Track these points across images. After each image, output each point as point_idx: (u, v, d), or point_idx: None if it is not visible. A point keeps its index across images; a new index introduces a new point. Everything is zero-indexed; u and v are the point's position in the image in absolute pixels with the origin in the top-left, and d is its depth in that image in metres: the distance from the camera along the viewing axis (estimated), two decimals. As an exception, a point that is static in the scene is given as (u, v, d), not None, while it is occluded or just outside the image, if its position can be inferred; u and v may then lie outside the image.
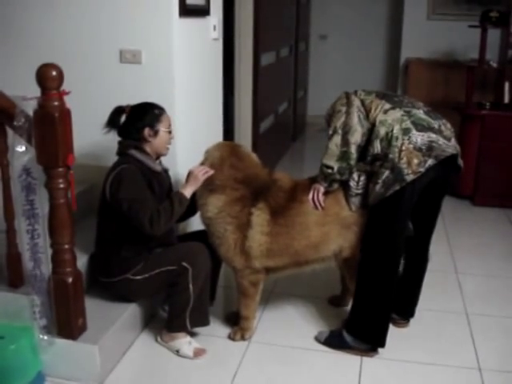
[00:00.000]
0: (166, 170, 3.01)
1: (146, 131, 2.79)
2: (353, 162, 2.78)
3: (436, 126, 2.73)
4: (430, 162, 2.66)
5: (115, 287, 2.86)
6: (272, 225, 2.86)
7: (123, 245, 2.79)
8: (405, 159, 2.64)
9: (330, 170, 2.80)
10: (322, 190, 2.87)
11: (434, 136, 2.68)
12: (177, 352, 2.87)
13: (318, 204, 2.87)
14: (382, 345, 2.88)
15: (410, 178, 2.65)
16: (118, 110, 2.85)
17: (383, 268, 2.81)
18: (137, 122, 2.80)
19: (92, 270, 2.95)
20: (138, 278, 2.80)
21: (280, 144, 6.77)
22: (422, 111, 2.77)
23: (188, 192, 2.79)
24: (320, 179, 2.87)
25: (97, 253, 2.93)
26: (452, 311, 3.33)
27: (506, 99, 5.19)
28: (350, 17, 8.04)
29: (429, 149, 2.65)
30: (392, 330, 3.04)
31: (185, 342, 2.88)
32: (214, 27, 3.88)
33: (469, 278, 3.78)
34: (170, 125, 2.88)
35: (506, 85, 5.19)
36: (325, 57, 8.31)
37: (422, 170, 2.65)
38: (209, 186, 2.85)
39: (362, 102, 2.81)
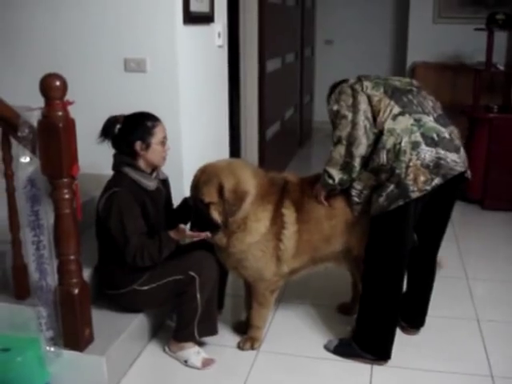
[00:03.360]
0: (164, 180, 2.97)
1: (138, 145, 2.73)
2: (355, 175, 2.73)
3: (446, 136, 2.65)
4: (437, 180, 2.61)
5: (122, 299, 2.84)
6: (298, 222, 2.84)
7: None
8: (411, 176, 2.58)
9: (330, 181, 2.77)
10: (323, 194, 2.85)
11: (442, 152, 2.60)
12: (185, 362, 2.85)
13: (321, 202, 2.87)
14: (388, 356, 2.85)
15: (415, 195, 2.60)
16: (112, 120, 2.78)
17: (387, 281, 2.77)
18: (128, 135, 2.74)
19: (97, 283, 2.92)
20: (145, 288, 2.77)
21: (287, 150, 6.75)
22: (431, 118, 2.68)
23: (176, 238, 2.72)
24: (322, 184, 2.83)
25: (101, 266, 2.90)
26: (463, 317, 3.28)
27: (514, 102, 5.16)
28: (356, 21, 8.03)
29: (436, 166, 2.59)
30: (402, 338, 3.02)
31: (193, 352, 2.85)
32: (219, 34, 3.87)
33: (479, 284, 3.74)
34: (164, 136, 2.79)
35: (514, 87, 5.16)
36: (331, 62, 8.28)
37: (429, 188, 2.60)
38: (256, 201, 2.77)
39: (369, 98, 2.69)
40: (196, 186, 2.75)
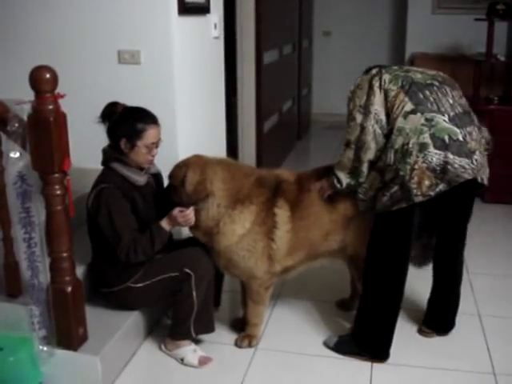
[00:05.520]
0: (156, 174, 2.91)
1: (122, 143, 2.66)
2: (362, 179, 2.67)
3: (460, 138, 2.53)
4: (442, 186, 2.52)
5: (116, 297, 2.79)
6: (292, 220, 2.79)
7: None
8: (416, 179, 2.50)
9: (338, 185, 2.72)
10: (328, 192, 2.80)
11: (451, 157, 2.48)
12: (181, 361, 2.80)
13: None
14: (386, 356, 2.80)
15: (417, 199, 2.53)
16: (111, 107, 2.71)
17: (386, 282, 2.72)
18: (117, 129, 2.67)
19: (91, 281, 2.87)
20: (139, 285, 2.73)
21: (285, 143, 6.69)
22: (447, 117, 2.55)
23: (168, 228, 2.69)
24: (329, 183, 2.77)
25: (94, 263, 2.85)
26: (464, 313, 3.21)
27: (515, 93, 5.10)
28: (354, 12, 7.95)
29: (442, 171, 2.49)
30: (403, 335, 2.97)
31: (189, 350, 2.80)
32: (215, 25, 3.81)
33: (480, 278, 3.69)
34: (153, 142, 2.68)
35: (515, 79, 5.10)
36: (329, 53, 8.22)
37: (432, 193, 2.52)
38: (230, 204, 2.73)
39: (386, 93, 2.59)
40: (176, 164, 2.84)
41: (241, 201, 2.73)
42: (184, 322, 2.76)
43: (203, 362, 2.79)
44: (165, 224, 2.67)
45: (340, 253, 2.94)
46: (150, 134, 2.67)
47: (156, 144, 2.71)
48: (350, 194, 2.79)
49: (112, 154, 2.71)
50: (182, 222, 2.68)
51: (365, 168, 2.64)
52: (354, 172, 2.67)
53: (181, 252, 2.79)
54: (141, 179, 2.75)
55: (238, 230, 2.74)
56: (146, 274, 2.72)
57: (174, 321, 2.82)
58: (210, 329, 2.86)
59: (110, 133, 2.71)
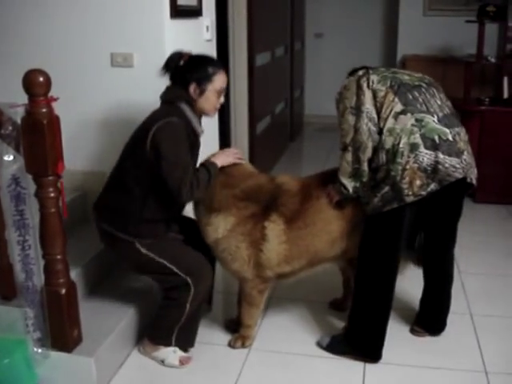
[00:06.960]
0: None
1: (192, 87, 2.61)
2: (365, 179, 2.67)
3: (449, 138, 2.57)
4: (433, 186, 2.54)
5: (118, 244, 2.68)
6: (288, 232, 2.77)
7: (147, 203, 2.61)
8: (407, 179, 2.52)
9: (345, 191, 2.72)
10: (335, 198, 2.79)
11: (441, 157, 2.52)
12: (162, 362, 2.80)
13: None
14: (378, 357, 2.81)
15: (409, 199, 2.55)
16: (176, 55, 2.67)
17: (378, 283, 2.74)
18: (186, 73, 2.61)
19: (98, 215, 2.73)
20: (143, 251, 2.63)
21: (278, 145, 6.71)
22: (436, 118, 2.59)
23: (220, 163, 2.70)
24: (336, 190, 2.76)
25: (113, 198, 2.69)
26: (456, 312, 3.22)
27: (505, 94, 5.14)
28: (346, 14, 7.99)
29: (433, 171, 2.52)
30: (395, 334, 2.98)
31: (169, 351, 2.80)
32: (207, 28, 3.82)
33: (472, 278, 3.72)
34: (222, 87, 2.65)
35: (505, 80, 5.13)
36: (321, 55, 8.26)
37: (424, 193, 2.55)
38: (207, 204, 2.75)
39: (375, 93, 2.61)
40: None
41: (216, 209, 2.73)
42: (168, 328, 2.76)
43: (184, 361, 2.79)
44: (214, 159, 2.69)
45: (341, 257, 2.94)
46: (220, 78, 2.65)
47: (223, 91, 2.69)
48: (356, 200, 2.79)
49: (182, 94, 2.63)
50: (232, 157, 2.73)
51: (366, 167, 2.64)
52: (356, 174, 2.66)
53: (194, 256, 2.74)
54: (200, 129, 2.70)
55: (211, 234, 2.77)
56: (155, 244, 2.66)
57: (158, 325, 2.80)
58: (190, 343, 2.86)
59: (177, 78, 2.65)
